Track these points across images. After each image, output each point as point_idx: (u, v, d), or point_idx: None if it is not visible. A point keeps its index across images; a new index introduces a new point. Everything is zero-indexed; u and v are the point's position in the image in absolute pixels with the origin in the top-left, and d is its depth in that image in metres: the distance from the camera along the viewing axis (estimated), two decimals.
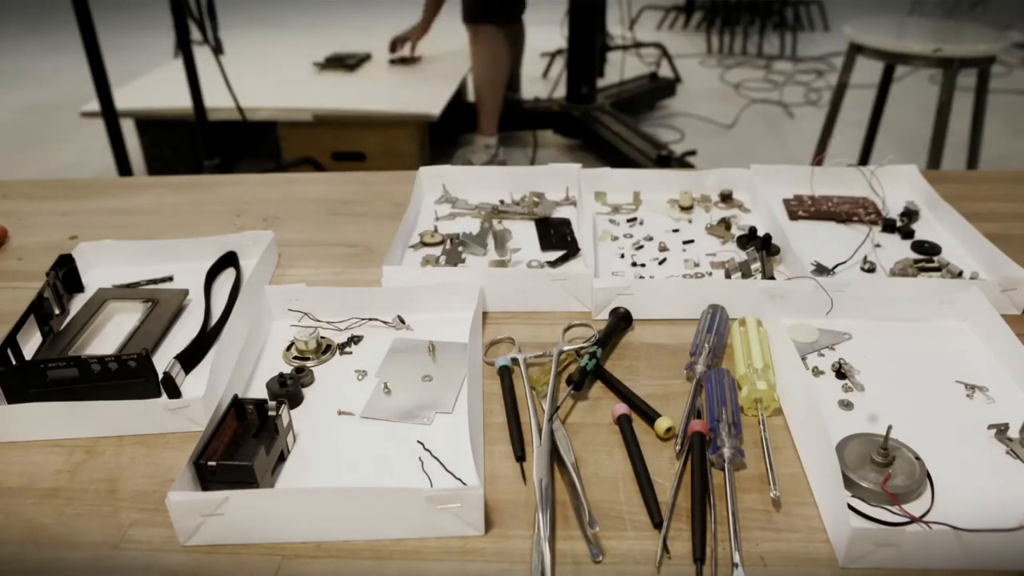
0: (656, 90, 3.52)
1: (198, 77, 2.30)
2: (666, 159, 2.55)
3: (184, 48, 2.28)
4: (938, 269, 0.79)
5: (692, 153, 2.63)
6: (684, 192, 0.92)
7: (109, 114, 2.21)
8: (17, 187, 1.06)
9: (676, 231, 0.87)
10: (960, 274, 0.78)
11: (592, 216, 0.88)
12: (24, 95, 4.03)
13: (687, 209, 0.91)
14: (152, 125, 2.80)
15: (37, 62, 4.73)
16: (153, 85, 2.93)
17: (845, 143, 2.66)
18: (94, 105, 2.47)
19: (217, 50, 2.45)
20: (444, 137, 3.13)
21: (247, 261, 0.80)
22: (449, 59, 3.10)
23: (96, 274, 0.82)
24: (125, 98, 2.69)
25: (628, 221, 0.89)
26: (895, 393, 0.64)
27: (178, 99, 2.60)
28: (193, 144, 2.67)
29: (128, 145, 2.28)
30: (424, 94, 2.64)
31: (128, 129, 2.49)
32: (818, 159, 0.97)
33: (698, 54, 4.46)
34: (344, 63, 2.95)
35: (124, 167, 2.29)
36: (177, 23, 2.27)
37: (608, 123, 2.91)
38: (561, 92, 3.24)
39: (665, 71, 3.79)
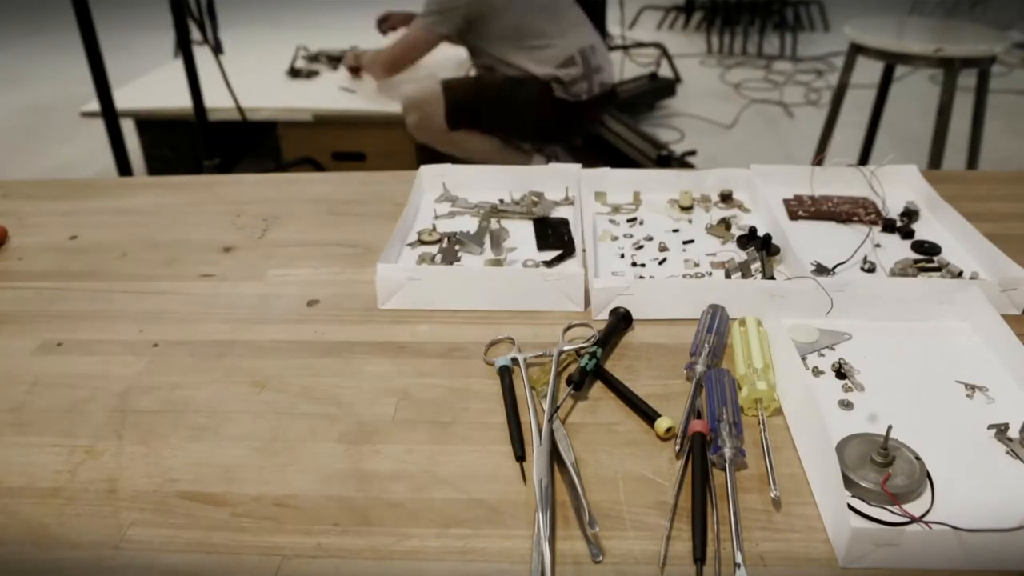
0: (656, 90, 3.52)
1: (198, 77, 2.31)
2: (666, 159, 2.55)
3: (184, 48, 2.28)
4: (938, 269, 0.79)
5: (692, 153, 2.63)
6: (684, 192, 0.92)
7: (109, 114, 2.21)
8: (17, 187, 1.06)
9: (676, 231, 0.87)
10: (960, 274, 0.78)
11: (592, 216, 0.88)
12: (24, 95, 4.03)
13: (687, 209, 0.91)
14: (152, 125, 2.81)
15: (37, 62, 4.73)
16: (153, 85, 2.93)
17: (845, 143, 2.66)
18: (94, 105, 2.48)
19: (217, 50, 2.45)
20: None
21: None
22: (449, 61, 3.09)
23: None
24: (125, 98, 2.70)
25: (628, 221, 0.89)
26: (895, 393, 0.64)
27: (178, 99, 2.60)
28: (193, 144, 2.67)
29: (128, 145, 2.28)
30: None
31: (128, 129, 2.49)
32: (818, 159, 0.97)
33: (698, 54, 4.46)
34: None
35: (124, 167, 2.29)
36: (177, 23, 2.27)
37: (608, 123, 2.90)
38: None
39: (665, 71, 3.79)
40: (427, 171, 0.95)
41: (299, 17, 5.37)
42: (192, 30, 2.34)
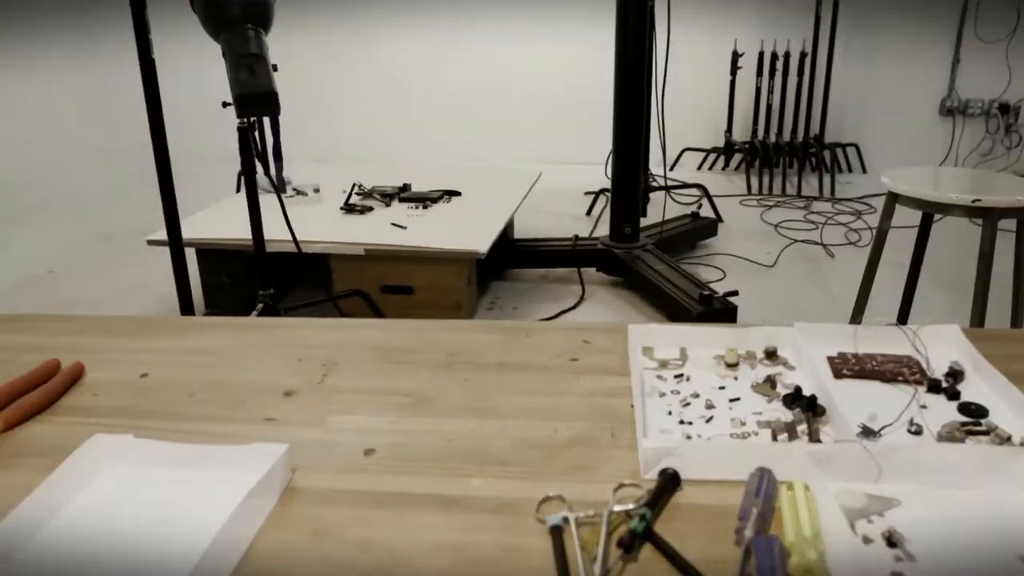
0: (698, 230, 3.61)
1: (260, 214, 2.44)
2: (708, 299, 2.58)
3: (249, 187, 2.41)
4: (986, 433, 0.80)
5: (734, 293, 2.66)
6: (730, 349, 0.94)
7: (176, 246, 2.34)
8: (94, 323, 1.13)
9: (723, 388, 0.89)
10: (1009, 439, 0.78)
11: (640, 371, 0.90)
12: (96, 223, 4.27)
13: (733, 366, 0.93)
14: (211, 254, 2.95)
15: (107, 191, 5.03)
16: (215, 217, 3.10)
17: (888, 287, 2.67)
18: (161, 234, 2.63)
19: (280, 189, 2.60)
20: (491, 271, 3.21)
21: (249, 475, 0.71)
22: (498, 197, 3.22)
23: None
24: (189, 228, 2.85)
25: (675, 377, 0.92)
26: (949, 564, 0.63)
27: (237, 231, 2.74)
28: (249, 272, 2.79)
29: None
30: (473, 231, 2.74)
31: (188, 255, 2.61)
32: (859, 319, 1.00)
33: (738, 194, 4.58)
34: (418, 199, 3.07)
35: (185, 294, 2.39)
36: (244, 163, 2.42)
37: (651, 262, 2.97)
38: (604, 231, 3.33)
39: (707, 211, 3.88)
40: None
41: (355, 154, 5.66)
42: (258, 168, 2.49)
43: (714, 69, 5.04)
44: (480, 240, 2.61)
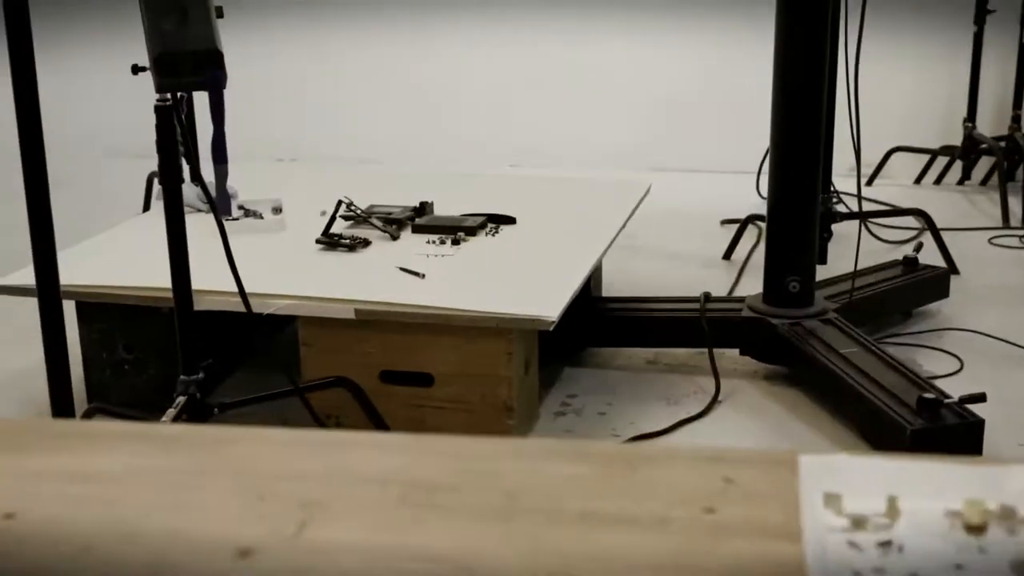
0: (915, 287, 3.57)
1: (186, 249, 2.48)
2: (934, 407, 2.56)
3: (169, 206, 2.47)
4: None
5: (980, 399, 2.63)
6: (971, 501, 0.95)
7: (49, 297, 2.38)
8: None
9: (960, 568, 0.90)
10: None
11: (820, 533, 0.92)
12: None
13: (978, 530, 0.94)
14: (102, 311, 2.96)
15: None
16: (110, 252, 3.15)
17: None
18: (22, 277, 2.67)
19: (220, 208, 2.64)
20: (562, 350, 3.21)
21: None
22: (577, 227, 3.23)
23: None
24: (69, 268, 2.87)
25: (880, 546, 0.93)
26: None
27: (145, 275, 2.77)
28: (162, 343, 2.82)
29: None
30: (534, 284, 2.75)
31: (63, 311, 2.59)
32: None
33: (987, 226, 4.53)
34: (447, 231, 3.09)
35: (61, 377, 2.43)
36: (164, 166, 2.47)
37: (833, 342, 2.96)
38: (753, 287, 3.33)
39: (930, 255, 3.85)
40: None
41: (340, 152, 5.73)
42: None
43: (943, 18, 5.04)
44: (546, 300, 2.61)
